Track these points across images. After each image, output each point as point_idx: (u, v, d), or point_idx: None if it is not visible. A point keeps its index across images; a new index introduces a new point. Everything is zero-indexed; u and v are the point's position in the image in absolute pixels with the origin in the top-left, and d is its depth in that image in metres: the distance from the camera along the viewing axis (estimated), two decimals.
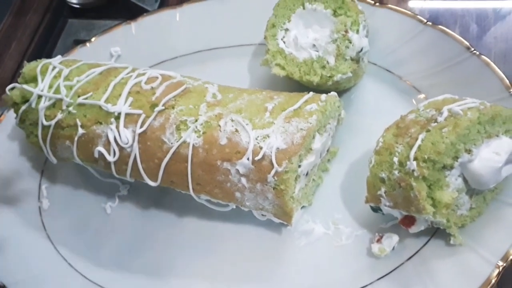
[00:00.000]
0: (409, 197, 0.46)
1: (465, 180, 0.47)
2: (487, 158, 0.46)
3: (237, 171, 0.49)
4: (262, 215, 0.53)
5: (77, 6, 0.79)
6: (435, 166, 0.45)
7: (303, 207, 0.55)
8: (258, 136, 0.49)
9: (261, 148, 0.49)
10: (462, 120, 0.45)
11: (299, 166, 0.50)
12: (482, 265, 0.47)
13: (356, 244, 0.52)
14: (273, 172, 0.48)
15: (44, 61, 0.59)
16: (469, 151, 0.46)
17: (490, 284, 0.46)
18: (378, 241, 0.51)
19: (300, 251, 0.53)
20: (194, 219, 0.57)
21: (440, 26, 0.59)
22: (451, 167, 0.46)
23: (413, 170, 0.45)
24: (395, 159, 0.47)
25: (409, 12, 0.62)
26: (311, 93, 0.53)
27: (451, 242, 0.48)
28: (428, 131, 0.46)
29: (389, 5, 0.63)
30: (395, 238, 0.50)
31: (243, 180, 0.50)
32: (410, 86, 0.59)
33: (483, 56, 0.56)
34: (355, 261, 0.51)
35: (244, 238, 0.55)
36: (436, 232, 0.50)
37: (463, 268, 0.47)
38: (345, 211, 0.54)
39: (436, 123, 0.47)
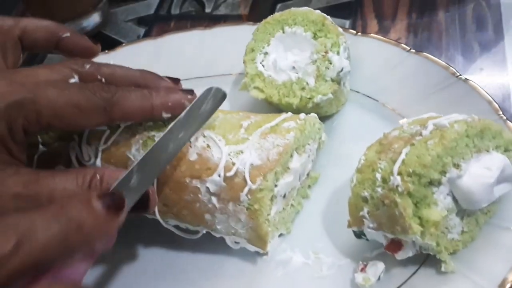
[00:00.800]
0: (394, 216, 0.42)
1: (455, 200, 0.44)
2: (477, 174, 0.43)
3: (207, 189, 0.46)
4: (235, 242, 0.49)
5: None
6: (421, 181, 0.41)
7: (281, 235, 0.50)
8: (231, 152, 0.46)
9: (233, 164, 0.45)
10: (449, 132, 0.42)
11: (276, 185, 0.46)
12: None
13: (338, 275, 0.47)
14: (246, 189, 0.44)
15: None
16: (457, 166, 0.42)
17: None
18: (362, 270, 0.46)
19: (277, 282, 0.48)
20: (161, 249, 0.52)
21: (424, 53, 0.58)
22: (439, 183, 0.42)
23: (397, 186, 0.42)
24: (378, 176, 0.43)
25: (392, 41, 0.60)
26: (289, 113, 0.51)
27: (442, 269, 0.44)
28: (412, 145, 0.43)
29: (372, 34, 0.62)
30: (381, 266, 0.46)
31: (214, 199, 0.46)
32: (394, 113, 0.57)
33: (469, 81, 0.54)
34: None
35: (215, 269, 0.49)
36: (426, 260, 0.46)
37: None
38: (327, 240, 0.50)
39: (421, 137, 0.43)
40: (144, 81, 0.48)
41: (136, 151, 0.48)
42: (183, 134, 0.46)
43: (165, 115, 0.46)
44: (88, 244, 0.34)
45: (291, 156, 0.48)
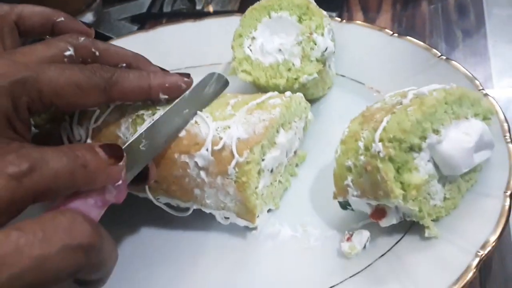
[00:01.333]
0: (376, 181, 0.43)
1: (436, 167, 0.45)
2: (456, 139, 0.44)
3: (196, 164, 0.47)
4: (225, 218, 0.50)
5: None
6: (401, 146, 0.43)
7: (269, 210, 0.51)
8: (218, 127, 0.47)
9: (221, 138, 0.46)
10: (428, 99, 0.44)
11: (263, 160, 0.48)
12: (461, 256, 0.43)
13: (325, 245, 0.48)
14: (233, 162, 0.46)
15: None
16: (437, 132, 0.44)
17: (470, 274, 0.42)
18: (348, 239, 0.47)
19: (266, 255, 0.48)
20: (152, 228, 0.53)
21: (407, 37, 0.60)
22: (419, 149, 0.43)
23: (378, 152, 0.43)
24: (361, 144, 0.45)
25: (376, 26, 0.62)
26: (275, 92, 0.52)
27: (426, 235, 0.45)
28: (393, 113, 0.44)
29: (356, 21, 0.64)
30: (366, 234, 0.47)
31: (203, 174, 0.47)
32: (379, 94, 0.58)
33: (451, 61, 0.56)
34: (325, 262, 0.47)
35: (206, 245, 0.50)
36: (410, 229, 0.47)
37: (440, 260, 0.43)
38: (314, 214, 0.51)
39: (401, 105, 0.45)
40: (136, 62, 0.49)
41: (125, 130, 0.49)
42: (187, 111, 0.48)
43: (162, 96, 0.48)
44: (93, 182, 0.35)
45: (278, 131, 0.49)
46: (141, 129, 0.45)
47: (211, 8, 0.81)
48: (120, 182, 0.38)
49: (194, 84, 0.51)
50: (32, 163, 0.32)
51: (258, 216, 0.49)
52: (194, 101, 0.49)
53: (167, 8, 0.82)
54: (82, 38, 0.46)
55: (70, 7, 0.77)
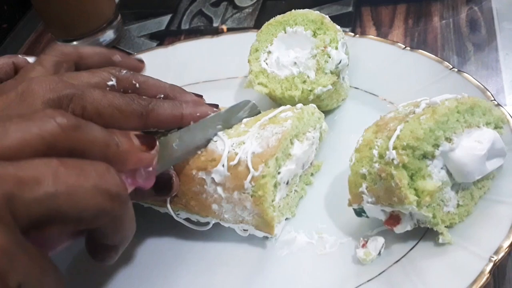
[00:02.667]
0: (390, 188, 0.44)
1: (449, 174, 0.46)
2: (469, 146, 0.45)
3: (213, 180, 0.48)
4: (244, 230, 0.51)
5: None
6: (414, 153, 0.44)
7: (286, 218, 0.52)
8: (233, 144, 0.49)
9: (236, 154, 0.48)
10: (440, 108, 0.45)
11: (279, 172, 0.49)
12: (475, 261, 0.43)
13: (340, 251, 0.49)
14: (249, 177, 0.47)
15: None
16: (449, 140, 0.45)
17: (484, 280, 0.42)
18: (364, 245, 0.48)
19: (282, 261, 0.50)
20: (173, 242, 0.54)
21: (419, 50, 0.61)
22: (432, 156, 0.45)
23: (392, 159, 0.44)
24: (375, 152, 0.46)
25: (389, 40, 0.64)
26: (288, 106, 0.54)
27: (440, 241, 0.46)
28: (406, 122, 0.46)
29: (369, 36, 0.65)
30: (381, 240, 0.48)
31: (219, 189, 0.48)
32: (392, 106, 0.59)
33: (463, 72, 0.57)
34: (340, 268, 0.48)
35: (223, 253, 0.51)
36: (424, 235, 0.48)
37: (454, 266, 0.44)
38: (329, 221, 0.52)
39: (414, 114, 0.46)
40: (172, 92, 0.53)
41: None
42: (220, 127, 0.51)
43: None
44: (124, 162, 0.38)
45: (292, 143, 0.51)
46: (174, 131, 0.49)
47: (225, 28, 0.83)
48: (150, 168, 0.41)
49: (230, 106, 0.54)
50: (79, 122, 0.35)
51: (276, 227, 0.50)
52: (225, 121, 0.52)
53: (185, 26, 0.85)
54: (124, 71, 0.50)
55: (93, 25, 0.81)
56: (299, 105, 0.53)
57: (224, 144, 0.49)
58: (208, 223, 0.52)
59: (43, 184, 0.30)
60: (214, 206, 0.49)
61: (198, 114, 0.51)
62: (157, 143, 0.42)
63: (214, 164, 0.48)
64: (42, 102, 0.41)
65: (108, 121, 0.45)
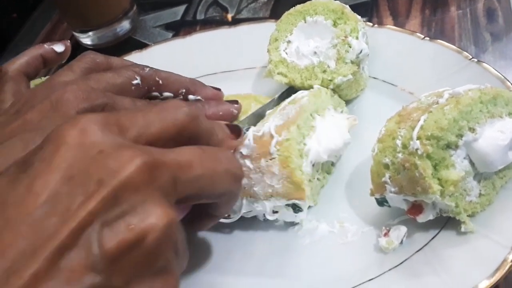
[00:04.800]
0: (414, 178, 0.45)
1: (471, 164, 0.46)
2: (491, 136, 0.45)
3: (241, 154, 0.49)
4: (274, 212, 0.51)
5: (91, 47, 0.83)
6: (439, 144, 0.44)
7: (309, 207, 0.53)
8: (258, 126, 0.51)
9: (260, 130, 0.50)
10: (464, 98, 0.45)
11: (304, 144, 0.50)
12: (497, 250, 0.44)
13: (362, 240, 0.50)
14: (274, 142, 0.48)
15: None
16: (473, 130, 0.45)
17: (507, 268, 0.43)
18: (386, 234, 0.49)
19: (305, 250, 0.50)
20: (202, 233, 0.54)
21: (438, 40, 0.61)
22: (456, 146, 0.45)
23: (416, 149, 0.44)
24: (398, 142, 0.46)
25: (408, 30, 0.64)
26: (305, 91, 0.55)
27: (462, 230, 0.46)
28: (430, 112, 0.46)
29: (388, 26, 0.66)
30: (403, 229, 0.48)
31: (247, 161, 0.49)
32: (412, 96, 0.59)
33: (482, 63, 0.58)
34: (362, 257, 0.48)
35: (245, 243, 0.52)
36: (446, 224, 0.48)
37: (476, 254, 0.45)
38: (351, 210, 0.52)
39: (437, 105, 0.47)
40: (193, 86, 0.56)
41: None
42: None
43: None
44: (219, 145, 0.43)
45: (313, 117, 0.52)
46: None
47: (229, 17, 0.83)
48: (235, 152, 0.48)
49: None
50: (198, 113, 0.39)
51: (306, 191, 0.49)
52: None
53: (200, 16, 0.85)
54: (147, 68, 0.52)
55: (109, 15, 0.81)
56: (316, 86, 0.54)
57: (250, 129, 0.51)
58: (235, 214, 0.52)
59: (194, 168, 0.35)
60: (244, 181, 0.50)
61: (221, 112, 0.54)
62: (242, 131, 0.47)
63: (241, 143, 0.49)
64: (76, 112, 0.43)
65: None
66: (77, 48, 0.84)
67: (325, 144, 0.52)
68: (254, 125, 0.52)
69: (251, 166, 0.49)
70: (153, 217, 0.30)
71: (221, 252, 0.52)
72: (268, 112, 0.53)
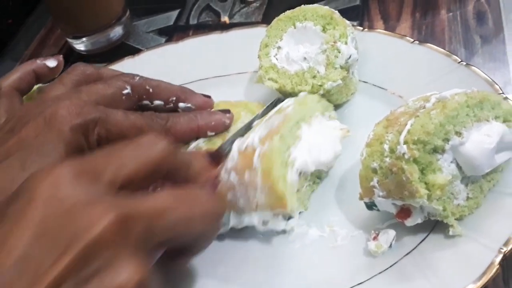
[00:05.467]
0: (401, 182, 0.45)
1: (459, 167, 0.47)
2: (478, 140, 0.46)
3: (226, 168, 0.49)
4: (263, 222, 0.51)
5: (85, 53, 0.84)
6: (425, 148, 0.45)
7: (299, 212, 0.53)
8: (243, 139, 0.50)
9: (244, 142, 0.50)
10: (450, 103, 0.46)
11: (289, 154, 0.50)
12: (484, 253, 0.44)
13: (352, 244, 0.50)
14: (256, 153, 0.48)
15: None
16: (459, 134, 0.46)
17: (494, 271, 0.43)
18: (375, 238, 0.49)
19: (295, 254, 0.51)
20: None
21: (427, 44, 0.62)
22: (443, 150, 0.45)
23: (403, 154, 0.45)
24: (386, 147, 0.47)
25: (397, 34, 0.65)
26: (293, 98, 0.55)
27: (450, 233, 0.46)
28: (417, 116, 0.46)
29: (378, 30, 0.66)
30: (392, 233, 0.48)
31: (232, 174, 0.49)
32: (401, 99, 0.60)
33: (471, 66, 0.58)
34: (352, 260, 0.49)
35: (234, 247, 0.52)
36: (434, 228, 0.48)
37: (464, 257, 0.45)
38: (341, 214, 0.53)
39: (424, 109, 0.47)
40: (183, 94, 0.55)
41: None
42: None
43: (210, 133, 0.53)
44: (197, 179, 0.42)
45: (299, 126, 0.51)
46: (228, 137, 0.52)
47: (227, 20, 0.84)
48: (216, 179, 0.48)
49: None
50: (174, 146, 0.38)
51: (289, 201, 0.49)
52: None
53: (193, 21, 0.85)
54: (137, 77, 0.52)
55: (102, 21, 0.82)
56: (302, 93, 0.54)
57: (236, 142, 0.51)
58: (225, 224, 0.52)
59: (169, 214, 0.34)
60: (229, 195, 0.50)
61: (213, 123, 0.53)
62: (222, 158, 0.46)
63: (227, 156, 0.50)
64: (70, 128, 0.43)
65: None
66: (71, 54, 0.85)
67: (314, 155, 0.52)
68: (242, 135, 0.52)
69: (235, 179, 0.49)
70: (124, 275, 0.30)
71: (211, 258, 0.52)
72: (255, 123, 0.53)
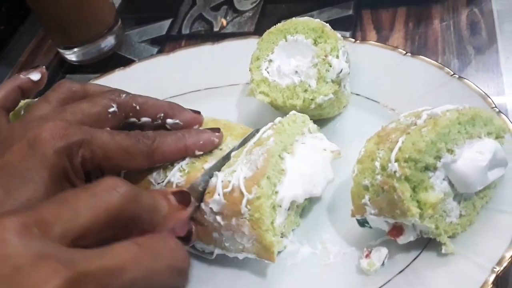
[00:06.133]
0: (393, 200, 0.45)
1: (451, 185, 0.46)
2: (470, 157, 0.45)
3: (211, 210, 0.48)
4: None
5: (76, 63, 0.83)
6: (417, 166, 0.44)
7: (292, 230, 0.53)
8: (226, 174, 0.49)
9: (229, 181, 0.48)
10: (441, 120, 0.45)
11: (276, 192, 0.48)
12: (477, 272, 0.44)
13: (344, 262, 0.49)
14: (244, 201, 0.46)
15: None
16: (451, 151, 0.45)
17: None
18: (367, 256, 0.48)
19: (287, 272, 0.50)
20: None
21: (419, 56, 0.61)
22: (434, 168, 0.45)
23: (395, 172, 0.44)
24: (377, 164, 0.46)
25: (389, 46, 0.64)
26: (269, 124, 0.53)
27: (443, 251, 0.46)
28: (408, 133, 0.46)
29: (370, 41, 0.66)
30: (384, 251, 0.48)
31: (219, 218, 0.48)
32: (394, 112, 0.59)
33: (463, 79, 0.57)
34: (344, 278, 0.48)
35: (225, 265, 0.52)
36: (427, 245, 0.48)
37: (457, 276, 0.45)
38: (333, 231, 0.52)
39: (415, 126, 0.46)
40: (171, 110, 0.54)
41: (157, 175, 0.51)
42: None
43: (198, 153, 0.52)
44: (165, 223, 0.40)
45: (281, 158, 0.50)
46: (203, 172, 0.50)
47: (224, 22, 0.83)
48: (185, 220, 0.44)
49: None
50: (135, 191, 0.36)
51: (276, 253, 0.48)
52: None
53: (185, 30, 0.85)
54: (124, 95, 0.51)
55: (93, 31, 0.81)
56: (278, 119, 0.53)
57: (217, 177, 0.49)
58: (212, 252, 0.51)
59: (128, 271, 0.31)
60: (215, 235, 0.49)
61: (201, 142, 0.51)
62: (192, 199, 0.43)
63: (210, 196, 0.48)
64: (54, 151, 0.42)
65: (117, 163, 0.47)
66: (63, 65, 0.84)
67: (304, 187, 0.50)
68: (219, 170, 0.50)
69: (222, 222, 0.48)
70: None
71: (201, 276, 0.52)
72: (233, 153, 0.51)
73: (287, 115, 0.53)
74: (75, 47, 0.82)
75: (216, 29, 0.83)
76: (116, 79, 0.70)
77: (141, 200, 0.36)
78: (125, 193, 0.35)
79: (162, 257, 0.33)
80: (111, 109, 0.49)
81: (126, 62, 0.78)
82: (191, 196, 0.43)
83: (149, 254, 0.33)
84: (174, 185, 0.50)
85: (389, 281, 0.47)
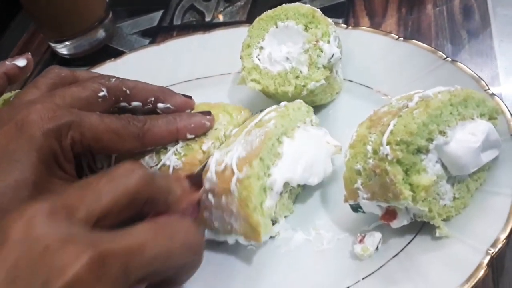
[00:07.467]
0: (385, 184, 0.44)
1: (444, 167, 0.46)
2: (463, 139, 0.45)
3: (204, 188, 0.48)
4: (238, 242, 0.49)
5: (68, 56, 0.82)
6: (408, 148, 0.44)
7: (285, 216, 0.52)
8: (221, 154, 0.49)
9: (223, 160, 0.48)
10: (433, 101, 0.45)
11: (269, 175, 0.48)
12: (472, 254, 0.43)
13: (338, 247, 0.49)
14: (234, 179, 0.46)
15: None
16: (443, 133, 0.45)
17: (482, 272, 0.42)
18: (361, 241, 0.48)
19: (281, 259, 0.50)
20: None
21: (412, 40, 0.61)
22: (427, 150, 0.44)
23: (386, 155, 0.44)
24: (369, 148, 0.46)
25: (381, 31, 0.63)
26: (273, 106, 0.53)
27: (437, 234, 0.45)
28: (399, 116, 0.45)
29: (362, 27, 0.65)
30: (378, 235, 0.47)
31: (210, 196, 0.48)
32: (387, 98, 0.59)
33: (456, 62, 0.57)
34: (338, 264, 0.48)
35: (221, 252, 0.51)
36: (421, 229, 0.47)
37: (452, 259, 0.44)
38: (326, 217, 0.52)
39: (407, 109, 0.46)
40: (162, 94, 0.53)
41: (149, 159, 0.51)
42: None
43: (189, 136, 0.51)
44: (178, 205, 0.41)
45: (280, 141, 0.50)
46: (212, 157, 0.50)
47: (220, 16, 0.83)
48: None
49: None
50: (152, 173, 0.37)
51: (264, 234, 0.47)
52: None
53: (177, 21, 0.84)
54: (113, 79, 0.50)
55: (84, 24, 0.80)
56: (283, 103, 0.52)
57: (213, 156, 0.49)
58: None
59: (147, 250, 0.32)
60: (206, 214, 0.49)
61: (192, 125, 0.51)
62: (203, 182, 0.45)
63: (204, 174, 0.48)
64: (42, 133, 0.42)
65: (106, 145, 0.47)
66: (54, 58, 0.83)
67: (301, 173, 0.50)
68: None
69: (212, 201, 0.47)
70: None
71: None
72: (234, 131, 0.51)
73: (293, 102, 0.53)
74: (66, 40, 0.81)
75: (207, 19, 0.83)
76: (106, 71, 0.68)
77: (157, 182, 0.37)
78: (142, 175, 0.36)
79: (178, 236, 0.35)
80: (101, 93, 0.48)
81: (117, 54, 0.77)
82: (202, 181, 0.44)
83: (166, 234, 0.34)
84: (170, 168, 0.50)
85: (383, 265, 0.46)
